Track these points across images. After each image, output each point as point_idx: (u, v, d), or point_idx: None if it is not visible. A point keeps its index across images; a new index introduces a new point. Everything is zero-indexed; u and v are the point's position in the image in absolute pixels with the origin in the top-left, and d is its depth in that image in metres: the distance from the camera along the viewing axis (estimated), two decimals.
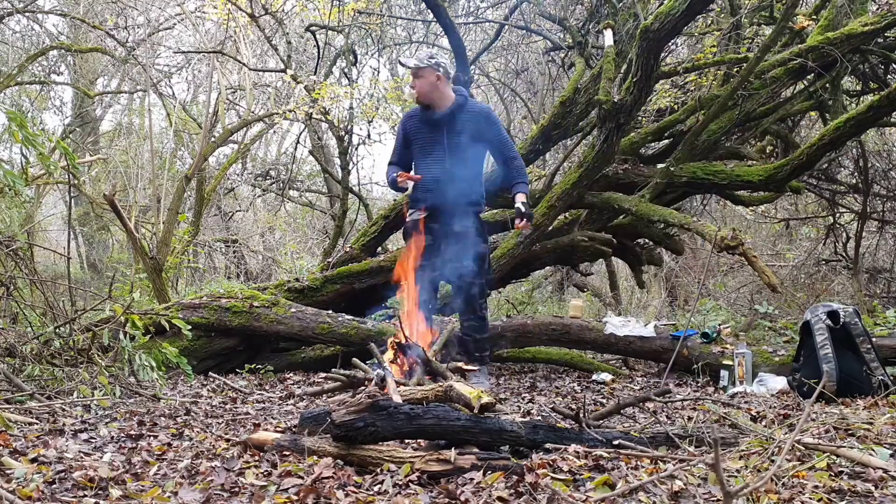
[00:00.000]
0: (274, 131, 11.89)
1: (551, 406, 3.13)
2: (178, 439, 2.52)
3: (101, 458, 2.16)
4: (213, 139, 8.07)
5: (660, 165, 5.65)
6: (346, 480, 1.98)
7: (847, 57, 5.33)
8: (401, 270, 4.04)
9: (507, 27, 7.12)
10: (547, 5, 6.95)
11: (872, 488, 1.82)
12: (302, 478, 1.98)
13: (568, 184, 5.04)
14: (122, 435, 2.53)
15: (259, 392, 3.91)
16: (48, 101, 11.16)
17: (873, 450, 2.12)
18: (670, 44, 5.75)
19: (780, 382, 3.80)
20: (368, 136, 8.36)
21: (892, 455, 2.08)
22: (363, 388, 3.22)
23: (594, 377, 4.55)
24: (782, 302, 7.33)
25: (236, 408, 3.33)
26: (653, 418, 2.98)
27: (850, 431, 2.46)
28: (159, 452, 2.29)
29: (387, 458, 2.08)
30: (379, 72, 10.36)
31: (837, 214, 7.71)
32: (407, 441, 2.28)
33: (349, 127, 7.75)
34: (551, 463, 2.04)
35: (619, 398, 3.50)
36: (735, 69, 5.50)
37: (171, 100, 10.19)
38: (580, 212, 5.93)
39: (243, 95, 9.61)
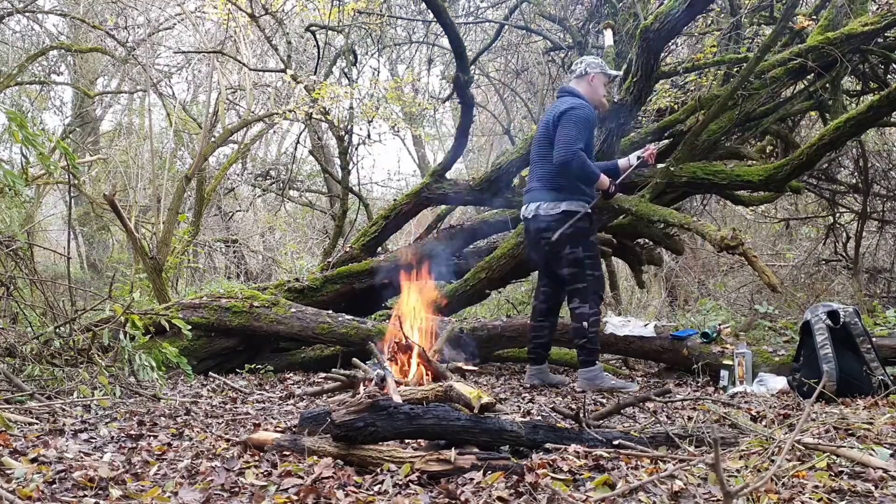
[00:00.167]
0: (274, 131, 11.90)
1: (551, 406, 3.13)
2: (178, 439, 2.52)
3: (101, 458, 2.16)
4: (213, 139, 8.07)
5: (660, 165, 5.65)
6: (346, 480, 1.98)
7: (847, 57, 5.33)
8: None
9: (507, 27, 7.12)
10: (547, 5, 6.95)
11: (872, 488, 1.82)
12: (302, 478, 1.98)
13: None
14: (122, 435, 2.53)
15: (259, 392, 3.91)
16: (48, 101, 11.17)
17: (873, 450, 2.12)
18: (670, 44, 5.75)
19: (780, 382, 3.80)
20: (368, 136, 8.36)
21: (892, 455, 2.08)
22: (364, 386, 3.22)
23: None
24: (782, 302, 7.33)
25: (236, 408, 3.33)
26: (653, 418, 2.98)
27: (850, 431, 2.46)
28: (159, 452, 2.29)
29: (387, 458, 2.08)
30: (379, 72, 10.38)
31: (837, 214, 7.70)
32: (407, 441, 2.28)
33: (349, 127, 7.75)
34: (551, 463, 2.04)
35: (619, 398, 3.50)
36: (735, 69, 5.50)
37: (171, 100, 10.19)
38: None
39: (243, 95, 9.61)
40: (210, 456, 2.25)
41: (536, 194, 4.08)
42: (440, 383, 2.60)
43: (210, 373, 4.46)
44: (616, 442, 2.25)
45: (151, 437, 2.52)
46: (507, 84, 8.78)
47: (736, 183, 5.38)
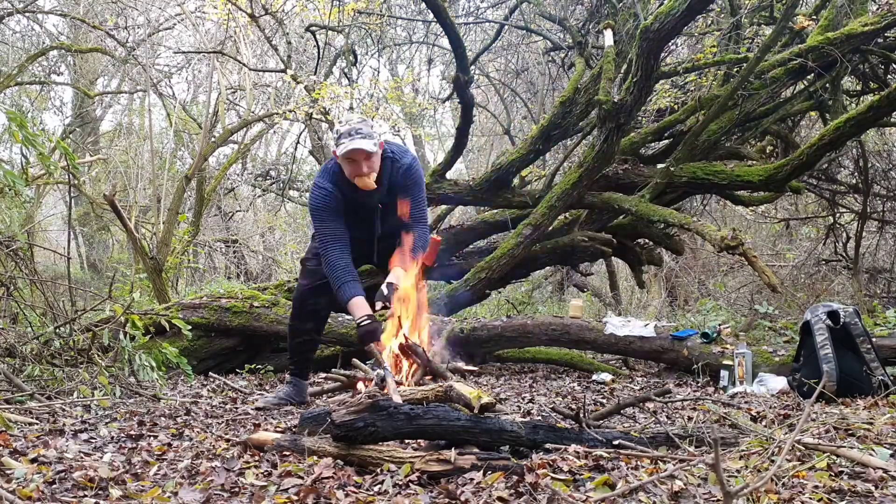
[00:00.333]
0: (274, 131, 11.90)
1: (551, 406, 3.13)
2: (178, 439, 2.52)
3: (101, 458, 2.16)
4: (213, 139, 8.08)
5: (660, 165, 5.66)
6: (346, 480, 1.98)
7: (847, 57, 5.33)
8: None
9: (507, 27, 7.12)
10: (547, 5, 6.95)
11: (872, 488, 1.82)
12: (302, 478, 1.98)
13: (568, 184, 5.04)
14: (122, 435, 2.53)
15: (259, 392, 3.91)
16: (48, 101, 11.17)
17: (873, 450, 2.12)
18: (670, 44, 5.75)
19: (780, 382, 3.80)
20: None
21: (892, 455, 2.08)
22: (364, 385, 3.22)
23: (594, 377, 4.55)
24: (782, 302, 7.33)
25: (236, 408, 3.33)
26: (653, 418, 2.98)
27: (850, 431, 2.46)
28: (159, 452, 2.29)
29: (387, 458, 2.08)
30: (379, 72, 10.39)
31: (837, 214, 7.70)
32: (407, 441, 2.28)
33: None
34: (551, 463, 2.03)
35: (619, 398, 3.50)
36: (735, 69, 5.50)
37: (171, 100, 10.20)
38: (580, 212, 5.93)
39: (243, 95, 9.62)
40: (210, 456, 2.25)
41: None
42: (440, 383, 2.60)
43: (210, 373, 4.46)
44: (616, 442, 2.25)
45: (151, 438, 2.52)
46: (507, 84, 8.78)
47: (736, 183, 5.38)
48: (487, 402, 2.23)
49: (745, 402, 3.38)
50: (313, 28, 7.50)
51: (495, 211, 5.90)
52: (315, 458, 2.18)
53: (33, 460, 2.05)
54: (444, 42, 7.88)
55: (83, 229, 11.74)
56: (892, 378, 3.42)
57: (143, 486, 1.91)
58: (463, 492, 1.84)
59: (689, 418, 2.88)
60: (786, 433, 2.44)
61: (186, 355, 4.03)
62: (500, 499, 1.78)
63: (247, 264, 11.44)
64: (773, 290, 4.09)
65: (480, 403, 2.22)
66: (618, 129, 4.73)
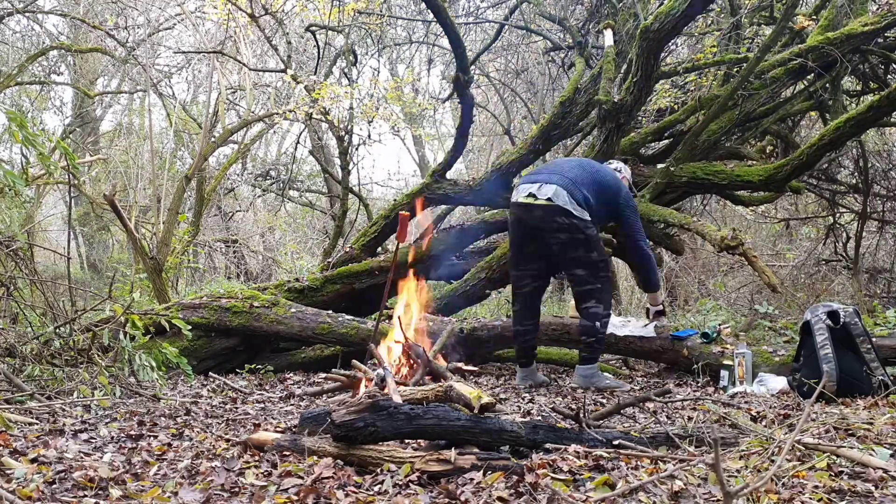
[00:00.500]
0: (274, 131, 11.90)
1: (551, 406, 3.13)
2: (178, 439, 2.52)
3: (101, 458, 2.16)
4: (213, 139, 8.08)
5: (660, 165, 5.65)
6: (346, 480, 1.98)
7: (847, 57, 5.33)
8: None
9: (507, 27, 7.12)
10: (547, 5, 6.95)
11: (872, 488, 1.82)
12: (302, 478, 1.98)
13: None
14: (122, 435, 2.53)
15: (259, 392, 3.91)
16: (48, 101, 11.17)
17: (873, 450, 2.12)
18: (670, 44, 5.75)
19: (780, 382, 3.80)
20: (368, 136, 8.37)
21: (892, 455, 2.08)
22: (365, 385, 3.22)
23: None
24: (782, 302, 7.33)
25: (236, 408, 3.33)
26: (653, 418, 2.98)
27: (850, 431, 2.46)
28: (159, 452, 2.29)
29: (387, 458, 2.08)
30: (379, 72, 10.39)
31: (837, 214, 7.70)
32: (407, 441, 2.28)
33: (349, 127, 7.75)
34: (551, 463, 2.03)
35: (619, 398, 3.50)
36: (735, 69, 5.50)
37: (171, 100, 10.20)
38: None
39: (243, 95, 9.62)
40: (210, 456, 2.25)
41: (558, 180, 3.85)
42: (440, 383, 2.60)
43: (210, 373, 4.46)
44: (616, 442, 2.25)
45: (151, 438, 2.52)
46: (507, 84, 8.78)
47: (736, 183, 5.38)
48: (487, 402, 2.23)
49: (745, 402, 3.38)
50: (313, 28, 7.50)
51: (495, 211, 5.89)
52: (315, 458, 2.18)
53: (33, 460, 2.05)
54: (444, 42, 7.88)
55: (83, 229, 11.75)
56: (892, 378, 3.42)
57: (143, 486, 1.91)
58: (463, 492, 1.84)
59: (689, 418, 2.88)
60: (786, 433, 2.44)
61: (186, 355, 4.03)
62: (500, 499, 1.78)
63: (247, 264, 11.44)
64: (773, 290, 4.09)
65: (480, 403, 2.22)
66: (618, 129, 4.73)
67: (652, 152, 6.42)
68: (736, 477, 1.90)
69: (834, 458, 2.05)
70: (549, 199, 3.81)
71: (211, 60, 8.58)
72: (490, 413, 2.31)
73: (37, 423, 2.67)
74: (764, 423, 2.77)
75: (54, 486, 1.87)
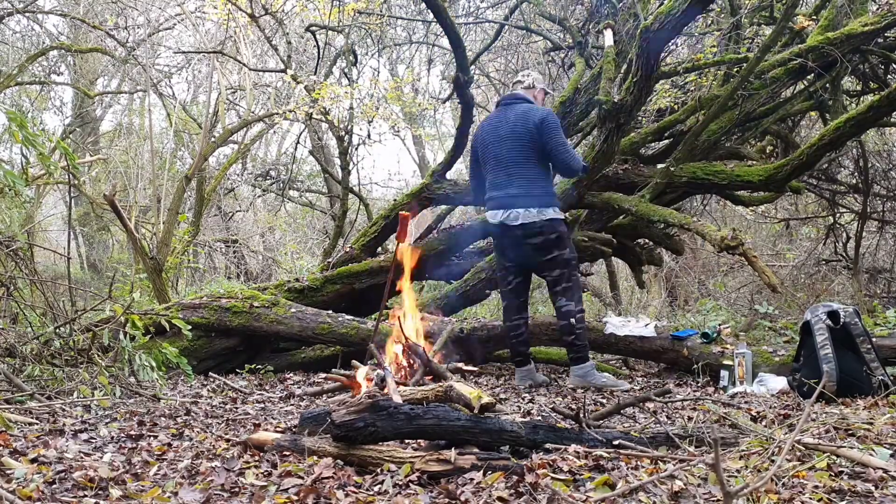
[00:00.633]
0: (274, 131, 11.90)
1: (551, 406, 3.13)
2: (178, 439, 2.52)
3: (101, 458, 2.16)
4: (213, 139, 8.08)
5: (660, 165, 5.65)
6: (346, 480, 1.98)
7: (847, 57, 5.33)
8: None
9: (507, 27, 7.12)
10: (547, 5, 6.95)
11: (872, 488, 1.82)
12: (302, 478, 1.98)
13: (568, 184, 5.04)
14: (122, 435, 2.53)
15: (259, 392, 3.91)
16: (48, 101, 11.17)
17: (873, 450, 2.12)
18: (670, 44, 5.74)
19: (780, 382, 3.80)
20: (368, 136, 8.36)
21: (892, 455, 2.08)
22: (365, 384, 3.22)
23: None
24: (782, 302, 7.33)
25: (236, 408, 3.33)
26: (653, 418, 2.98)
27: (850, 431, 2.46)
28: (159, 452, 2.29)
29: (387, 458, 2.08)
30: (379, 72, 10.40)
31: (837, 214, 7.70)
32: (407, 441, 2.28)
33: (349, 127, 7.75)
34: (551, 463, 2.04)
35: (619, 398, 3.50)
36: (735, 69, 5.50)
37: (171, 100, 10.20)
38: (580, 212, 5.93)
39: (243, 95, 9.62)
40: (210, 456, 2.25)
41: (520, 200, 4.10)
42: (440, 383, 2.60)
43: (210, 373, 4.46)
44: (616, 442, 2.25)
45: (151, 438, 2.52)
46: (507, 84, 8.77)
47: (736, 183, 5.38)
48: (487, 402, 2.23)
49: (745, 402, 3.38)
50: (313, 28, 7.50)
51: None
52: (315, 458, 2.18)
53: (33, 460, 2.05)
54: (444, 42, 7.88)
55: (83, 229, 11.74)
56: (892, 378, 3.42)
57: (143, 486, 1.91)
58: (463, 492, 1.84)
59: (689, 418, 2.88)
60: (786, 433, 2.44)
61: (186, 355, 4.03)
62: (500, 499, 1.78)
63: (247, 264, 11.44)
64: (773, 290, 4.09)
65: (480, 403, 2.22)
66: (618, 129, 4.72)
67: (652, 152, 6.42)
68: (736, 477, 1.90)
69: (834, 458, 2.05)
70: (521, 223, 4.07)
71: (211, 60, 8.58)
72: (490, 413, 2.31)
73: (37, 423, 2.67)
74: (764, 423, 2.77)
75: (54, 486, 1.87)
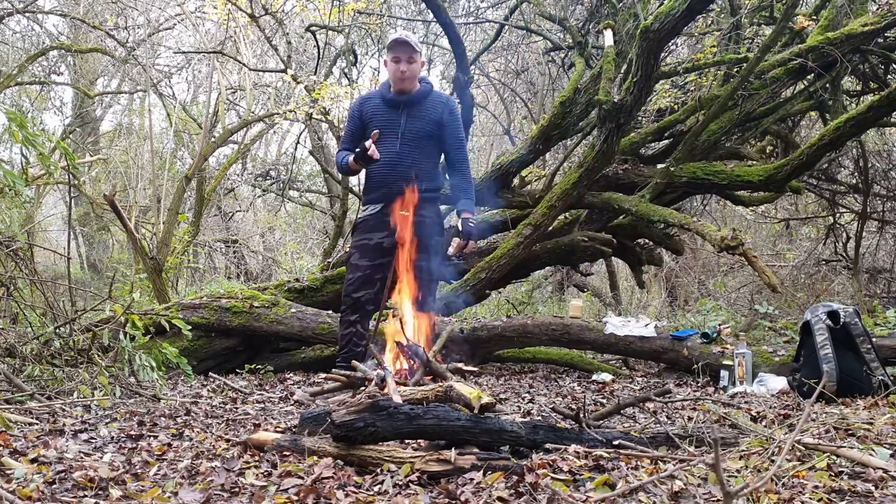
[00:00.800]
0: (274, 131, 11.90)
1: (551, 406, 3.13)
2: (178, 439, 2.52)
3: (101, 458, 2.16)
4: (213, 139, 8.08)
5: (660, 165, 5.66)
6: (346, 480, 1.98)
7: (847, 57, 5.33)
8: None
9: (507, 27, 7.12)
10: (547, 5, 6.95)
11: (872, 488, 1.82)
12: (302, 478, 1.98)
13: (568, 184, 5.05)
14: (122, 435, 2.53)
15: (259, 392, 3.91)
16: (48, 101, 11.17)
17: (873, 450, 2.12)
18: (670, 44, 5.75)
19: (780, 382, 3.80)
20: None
21: (892, 455, 2.08)
22: (363, 388, 3.22)
23: (594, 377, 4.55)
24: (782, 302, 7.33)
25: (236, 408, 3.33)
26: (653, 418, 2.98)
27: (850, 431, 2.46)
28: (159, 452, 2.29)
29: (387, 459, 2.08)
30: (379, 72, 10.37)
31: (837, 214, 7.71)
32: (407, 441, 2.28)
33: None
34: (551, 463, 2.03)
35: (619, 398, 3.50)
36: (735, 69, 5.50)
37: (171, 100, 10.20)
38: (580, 212, 5.93)
39: (243, 95, 9.62)
40: (210, 456, 2.24)
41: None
42: (440, 383, 2.60)
43: (210, 373, 4.46)
44: (616, 442, 2.25)
45: (151, 438, 2.51)
46: (507, 84, 8.78)
47: (736, 183, 5.38)
48: (487, 402, 2.23)
49: (745, 402, 3.38)
50: (313, 28, 7.50)
51: (495, 211, 5.90)
52: (315, 458, 2.18)
53: (33, 460, 2.05)
54: (444, 42, 7.87)
55: (83, 229, 11.74)
56: (892, 378, 3.42)
57: (143, 486, 1.91)
58: (463, 492, 1.84)
59: (689, 418, 2.88)
60: (786, 433, 2.44)
61: (186, 355, 4.03)
62: (500, 499, 1.78)
63: (247, 264, 11.44)
64: (773, 290, 4.09)
65: (480, 403, 2.22)
66: (618, 129, 4.72)
67: (652, 152, 6.42)
68: (736, 477, 1.90)
69: (834, 458, 2.05)
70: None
71: (211, 60, 8.58)
72: (490, 413, 2.31)
73: (37, 423, 2.67)
74: (764, 423, 2.77)
75: (54, 486, 1.87)
